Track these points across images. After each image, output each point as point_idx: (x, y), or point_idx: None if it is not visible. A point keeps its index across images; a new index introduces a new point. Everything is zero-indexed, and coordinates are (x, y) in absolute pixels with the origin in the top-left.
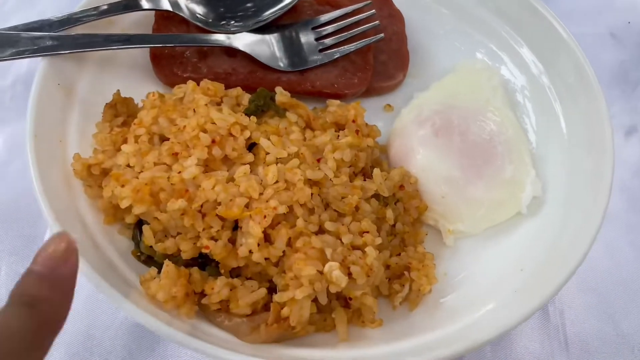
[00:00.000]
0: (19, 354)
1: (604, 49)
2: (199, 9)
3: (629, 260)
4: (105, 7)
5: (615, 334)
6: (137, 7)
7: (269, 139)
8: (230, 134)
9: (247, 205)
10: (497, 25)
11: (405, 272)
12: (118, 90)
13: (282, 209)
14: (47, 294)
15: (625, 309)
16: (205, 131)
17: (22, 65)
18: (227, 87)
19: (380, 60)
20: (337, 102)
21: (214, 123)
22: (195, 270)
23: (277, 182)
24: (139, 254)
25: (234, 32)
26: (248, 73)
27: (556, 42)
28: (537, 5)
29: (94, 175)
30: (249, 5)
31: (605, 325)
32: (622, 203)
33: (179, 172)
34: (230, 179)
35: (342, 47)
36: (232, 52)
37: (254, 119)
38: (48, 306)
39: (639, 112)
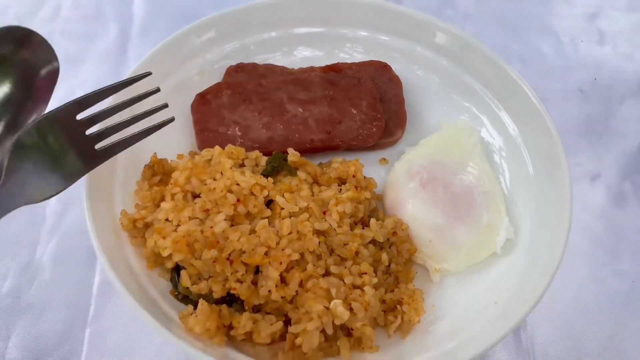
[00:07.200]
0: None
1: (573, 104)
2: None
3: (590, 291)
4: None
5: (576, 353)
6: None
7: (283, 196)
8: (252, 193)
9: (266, 253)
10: (480, 91)
11: (398, 306)
12: (155, 153)
13: (295, 256)
14: None
15: (585, 331)
16: (231, 192)
17: None
18: (269, 151)
19: None
20: (340, 159)
21: (238, 184)
22: (224, 307)
23: (290, 233)
24: (176, 293)
25: None
26: (284, 140)
27: (530, 110)
28: (516, 77)
29: (138, 228)
30: None
31: (569, 346)
32: (586, 242)
33: (211, 227)
34: (252, 231)
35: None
36: (268, 126)
37: (271, 179)
38: None
39: (602, 161)
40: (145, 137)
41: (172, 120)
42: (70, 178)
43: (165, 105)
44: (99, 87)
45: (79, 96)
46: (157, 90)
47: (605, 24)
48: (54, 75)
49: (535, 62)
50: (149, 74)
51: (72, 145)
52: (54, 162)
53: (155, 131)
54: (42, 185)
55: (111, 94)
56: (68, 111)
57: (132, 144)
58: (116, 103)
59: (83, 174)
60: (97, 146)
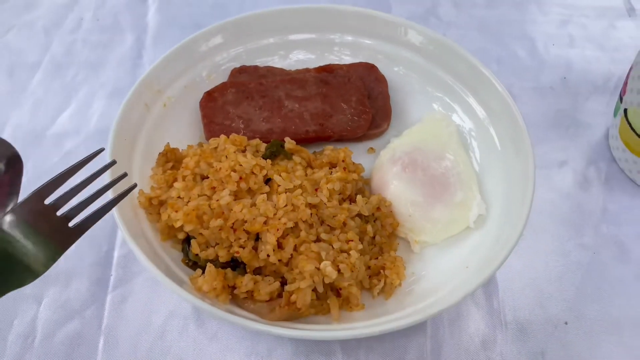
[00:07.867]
0: None
1: (544, 100)
2: None
3: (554, 261)
4: None
5: (543, 315)
6: None
7: (280, 176)
8: (253, 173)
9: (265, 222)
10: (452, 83)
11: (382, 271)
12: (168, 143)
13: (290, 224)
14: None
15: (550, 297)
16: (234, 171)
17: (90, 123)
18: (268, 140)
19: None
20: (331, 147)
21: (240, 165)
22: (229, 270)
23: (286, 205)
24: (187, 261)
25: None
26: (281, 131)
27: (494, 94)
28: (482, 68)
29: (153, 206)
30: None
31: (536, 309)
32: (551, 219)
33: (217, 200)
34: (253, 204)
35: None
36: (268, 119)
37: (269, 161)
38: None
39: (569, 150)
40: (114, 206)
41: (134, 186)
42: (51, 259)
43: (125, 175)
44: (58, 172)
45: (40, 184)
46: (125, 175)
47: (575, 30)
48: (16, 166)
49: (511, 63)
50: (102, 150)
51: (46, 229)
52: (33, 250)
53: (121, 199)
54: (24, 273)
55: (72, 175)
56: (36, 199)
57: (103, 216)
58: (80, 181)
59: (61, 254)
60: (71, 224)
